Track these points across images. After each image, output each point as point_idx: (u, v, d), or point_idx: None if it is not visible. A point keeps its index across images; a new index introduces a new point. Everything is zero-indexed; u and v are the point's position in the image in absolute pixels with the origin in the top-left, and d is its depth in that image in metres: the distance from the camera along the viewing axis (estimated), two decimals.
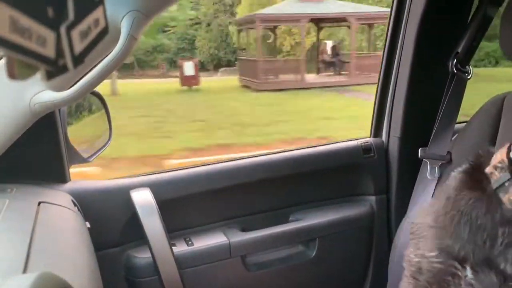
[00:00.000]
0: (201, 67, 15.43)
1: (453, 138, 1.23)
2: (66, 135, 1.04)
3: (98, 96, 1.11)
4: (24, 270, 0.53)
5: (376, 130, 1.47)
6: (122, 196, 1.10)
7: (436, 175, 1.22)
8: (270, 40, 16.32)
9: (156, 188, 1.12)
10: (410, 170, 1.32)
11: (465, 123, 1.22)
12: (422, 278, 0.87)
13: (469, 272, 0.79)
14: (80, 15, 0.37)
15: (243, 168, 1.29)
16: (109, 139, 1.13)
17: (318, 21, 15.56)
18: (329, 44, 16.42)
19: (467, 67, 1.23)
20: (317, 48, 16.56)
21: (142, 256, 1.13)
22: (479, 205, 0.81)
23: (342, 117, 8.34)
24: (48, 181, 1.02)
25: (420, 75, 1.33)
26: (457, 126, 1.25)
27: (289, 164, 1.34)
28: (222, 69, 17.97)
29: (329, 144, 1.44)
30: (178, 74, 13.81)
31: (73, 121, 1.11)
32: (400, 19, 1.34)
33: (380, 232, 1.43)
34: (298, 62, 14.33)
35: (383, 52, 1.43)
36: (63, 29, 0.35)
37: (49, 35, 0.33)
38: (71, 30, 0.36)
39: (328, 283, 1.39)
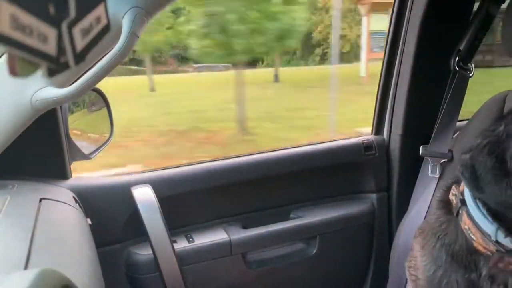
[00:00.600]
0: None
1: (454, 136, 1.23)
2: (67, 132, 1.04)
3: (99, 92, 1.11)
4: (26, 266, 0.53)
5: (378, 127, 1.47)
6: (123, 193, 1.10)
7: (438, 173, 1.22)
8: None
9: (157, 185, 1.12)
10: (411, 167, 1.32)
11: (466, 121, 1.22)
12: None
13: None
14: (82, 12, 0.37)
15: (245, 166, 1.29)
16: (110, 136, 1.13)
17: None
18: None
19: (469, 65, 1.23)
20: None
21: (143, 253, 1.13)
22: (450, 230, 0.84)
23: None
24: (50, 177, 1.02)
25: (422, 72, 1.32)
26: (458, 124, 1.25)
27: (291, 162, 1.34)
28: None
29: (330, 141, 1.44)
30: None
31: (77, 117, 1.11)
32: (402, 16, 1.33)
33: (380, 229, 1.43)
34: None
35: (385, 49, 1.42)
36: (64, 26, 0.35)
37: (51, 32, 0.33)
38: (72, 27, 0.36)
39: (329, 280, 1.39)
